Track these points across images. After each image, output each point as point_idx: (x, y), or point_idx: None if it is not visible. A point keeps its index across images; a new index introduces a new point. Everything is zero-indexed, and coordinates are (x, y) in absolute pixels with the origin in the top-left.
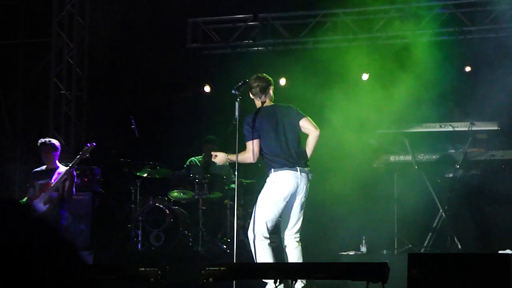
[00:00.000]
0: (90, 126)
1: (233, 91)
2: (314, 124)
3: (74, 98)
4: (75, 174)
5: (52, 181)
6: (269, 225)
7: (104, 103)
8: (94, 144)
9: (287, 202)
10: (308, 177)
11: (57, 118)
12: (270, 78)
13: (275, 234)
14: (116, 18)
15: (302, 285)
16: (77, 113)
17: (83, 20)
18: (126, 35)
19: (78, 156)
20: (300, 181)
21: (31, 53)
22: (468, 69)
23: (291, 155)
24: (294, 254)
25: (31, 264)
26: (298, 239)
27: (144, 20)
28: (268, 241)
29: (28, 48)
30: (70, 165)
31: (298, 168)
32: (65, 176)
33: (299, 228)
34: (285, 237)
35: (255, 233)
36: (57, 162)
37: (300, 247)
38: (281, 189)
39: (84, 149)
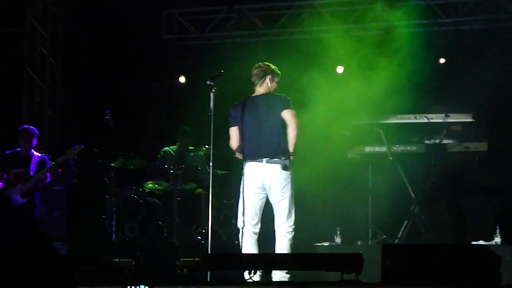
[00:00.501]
0: (64, 116)
1: (208, 82)
2: (293, 117)
3: (48, 89)
4: (58, 172)
5: (31, 172)
6: (245, 217)
7: (78, 93)
8: (83, 146)
9: (263, 193)
10: (279, 167)
11: (30, 108)
12: (270, 68)
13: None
14: (91, 8)
15: (281, 276)
16: (51, 104)
17: (57, 10)
18: (101, 25)
19: (64, 156)
20: (268, 173)
21: (4, 43)
22: (442, 61)
23: (260, 146)
24: (278, 245)
25: (5, 256)
26: (284, 230)
27: (119, 11)
28: (246, 232)
29: (0, 38)
30: (55, 163)
31: (264, 160)
32: (48, 172)
33: (285, 219)
34: (274, 228)
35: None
36: (33, 150)
37: (285, 239)
38: (247, 181)
39: (72, 149)
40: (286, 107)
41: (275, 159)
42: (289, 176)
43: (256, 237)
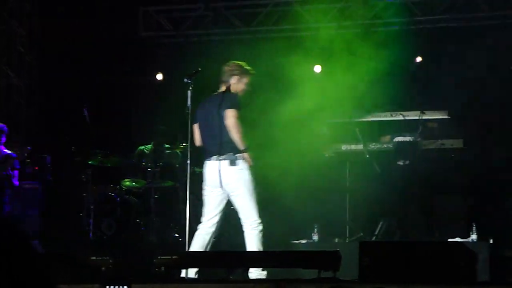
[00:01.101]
0: (41, 114)
1: (185, 80)
2: (230, 118)
3: (25, 86)
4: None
5: None
6: (204, 216)
7: (55, 91)
8: (29, 148)
9: (218, 191)
10: (227, 164)
11: (7, 106)
12: (239, 68)
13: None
14: (68, 5)
15: (258, 274)
16: (28, 102)
17: (33, 7)
18: (77, 23)
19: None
20: (218, 170)
21: None
22: (418, 59)
23: (210, 144)
24: (247, 241)
25: None
26: (248, 227)
27: (96, 8)
28: (198, 230)
29: None
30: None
31: (214, 158)
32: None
33: (245, 217)
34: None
35: None
36: (2, 146)
37: (251, 235)
38: (204, 180)
39: (21, 150)
40: (228, 106)
41: (223, 155)
42: (240, 171)
43: (207, 237)
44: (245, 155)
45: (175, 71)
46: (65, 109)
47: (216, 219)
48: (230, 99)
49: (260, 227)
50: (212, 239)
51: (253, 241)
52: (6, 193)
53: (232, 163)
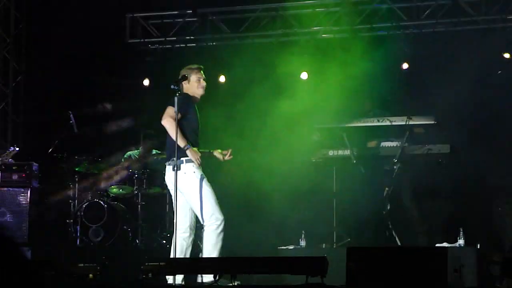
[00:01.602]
0: (27, 121)
1: (172, 86)
2: (164, 115)
3: (11, 93)
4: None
5: None
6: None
7: (42, 98)
8: (18, 149)
9: (180, 197)
10: (171, 169)
11: None
12: (181, 72)
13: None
14: (54, 12)
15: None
16: (14, 108)
17: (19, 13)
18: (64, 29)
19: None
20: (168, 177)
21: None
22: (405, 66)
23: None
24: (203, 239)
25: None
26: (205, 225)
27: (82, 15)
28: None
29: None
30: None
31: (166, 164)
32: None
33: (202, 218)
34: None
35: None
36: None
37: (206, 231)
38: None
39: (7, 151)
40: (167, 104)
41: (168, 161)
42: (184, 175)
43: (184, 242)
44: (189, 153)
45: (162, 77)
46: (51, 116)
47: (187, 223)
48: (168, 101)
49: (216, 224)
50: (190, 244)
51: (206, 238)
52: None
53: (175, 168)
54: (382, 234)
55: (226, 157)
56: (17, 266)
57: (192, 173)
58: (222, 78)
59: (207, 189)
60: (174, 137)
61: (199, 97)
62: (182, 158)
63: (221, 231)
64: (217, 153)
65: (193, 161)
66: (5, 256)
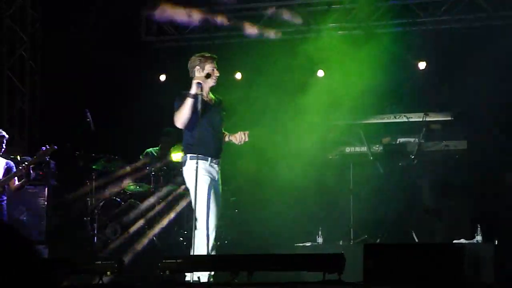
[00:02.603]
0: (44, 119)
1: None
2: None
3: (28, 92)
4: (31, 173)
5: (0, 176)
6: None
7: (58, 96)
8: (55, 146)
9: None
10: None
11: (10, 111)
12: (192, 60)
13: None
14: (70, 10)
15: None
16: (31, 107)
17: (35, 12)
18: (80, 28)
19: (34, 158)
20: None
21: None
22: (422, 65)
23: None
24: None
25: None
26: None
27: (98, 13)
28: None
29: None
30: (27, 163)
31: None
32: (19, 174)
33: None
34: None
35: None
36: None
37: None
38: None
39: (42, 150)
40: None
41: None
42: (185, 172)
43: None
44: (194, 83)
45: (178, 74)
46: (68, 114)
47: (210, 221)
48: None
49: (200, 223)
50: (212, 242)
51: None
52: (4, 200)
53: (183, 163)
54: (399, 230)
55: (243, 140)
56: (29, 265)
57: (192, 171)
58: (238, 75)
59: (203, 191)
60: (182, 124)
61: (208, 88)
62: (187, 155)
63: (203, 237)
64: (233, 137)
65: (194, 159)
66: (18, 254)
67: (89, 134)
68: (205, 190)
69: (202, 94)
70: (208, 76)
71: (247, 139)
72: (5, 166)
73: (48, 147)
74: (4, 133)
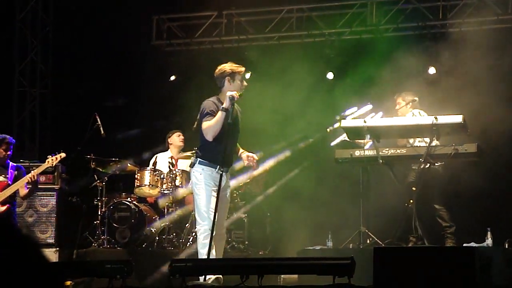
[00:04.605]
0: (55, 123)
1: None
2: (203, 124)
3: (39, 95)
4: (38, 180)
5: (10, 181)
6: None
7: (69, 99)
8: (64, 154)
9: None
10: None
11: (21, 115)
12: (222, 70)
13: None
14: (81, 14)
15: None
16: (42, 110)
17: (46, 16)
18: (91, 31)
19: (43, 164)
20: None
21: None
22: (432, 70)
23: None
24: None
25: None
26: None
27: (108, 17)
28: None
29: None
30: (36, 171)
31: None
32: (28, 181)
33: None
34: None
35: None
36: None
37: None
38: None
39: (52, 157)
40: (202, 116)
41: None
42: (193, 174)
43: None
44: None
45: (188, 78)
46: (78, 118)
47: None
48: (203, 107)
49: (201, 230)
50: (218, 244)
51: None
52: (15, 205)
53: (191, 164)
54: (408, 234)
55: (253, 166)
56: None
57: (198, 174)
58: (247, 75)
59: (204, 196)
60: (213, 137)
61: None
62: (197, 158)
63: (201, 234)
64: (244, 158)
65: (203, 164)
66: (27, 258)
67: (99, 137)
68: (206, 195)
69: (233, 108)
70: (240, 95)
71: (256, 168)
72: (15, 172)
73: (57, 154)
74: (11, 138)
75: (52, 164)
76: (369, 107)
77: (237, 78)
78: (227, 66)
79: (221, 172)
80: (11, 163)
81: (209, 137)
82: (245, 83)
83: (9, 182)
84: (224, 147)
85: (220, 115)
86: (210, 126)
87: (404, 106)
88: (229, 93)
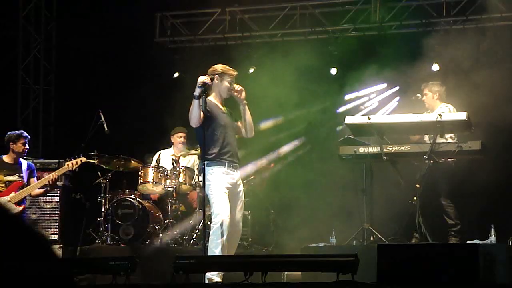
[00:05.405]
0: (58, 120)
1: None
2: None
3: (42, 92)
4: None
5: (25, 180)
6: None
7: (72, 96)
8: (85, 158)
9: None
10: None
11: (25, 112)
12: (212, 70)
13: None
14: (84, 11)
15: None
16: (45, 107)
17: (50, 13)
18: (94, 28)
19: (65, 168)
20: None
21: None
22: (435, 67)
23: None
24: None
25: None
26: None
27: (112, 13)
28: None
29: None
30: (55, 173)
31: None
32: (45, 183)
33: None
34: None
35: None
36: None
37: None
38: None
39: (72, 161)
40: None
41: None
42: (206, 177)
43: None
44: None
45: (191, 75)
46: (82, 115)
47: (233, 219)
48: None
49: (214, 223)
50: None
51: (210, 238)
52: (25, 202)
53: (199, 168)
54: (412, 230)
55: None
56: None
57: (209, 175)
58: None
59: (218, 193)
60: (193, 122)
61: (222, 99)
62: (204, 162)
63: (217, 226)
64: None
65: (212, 165)
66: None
67: (103, 134)
68: (221, 191)
69: (205, 96)
70: (212, 79)
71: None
72: (28, 169)
73: (76, 158)
74: (26, 133)
75: (72, 168)
76: (383, 85)
77: (225, 80)
78: (220, 66)
79: (231, 169)
80: (23, 161)
81: (190, 123)
82: (235, 88)
83: (25, 182)
84: (222, 142)
85: (193, 102)
86: (189, 113)
87: (431, 97)
88: (199, 79)
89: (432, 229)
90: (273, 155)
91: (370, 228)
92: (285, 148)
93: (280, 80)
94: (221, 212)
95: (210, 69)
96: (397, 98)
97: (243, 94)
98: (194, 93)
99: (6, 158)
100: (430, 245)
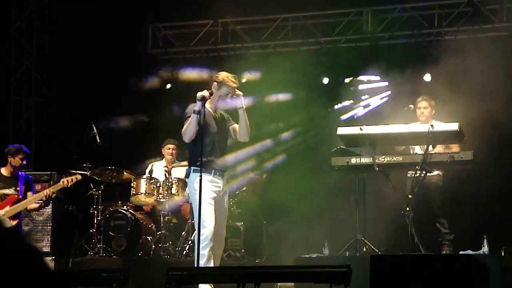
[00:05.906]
0: (50, 131)
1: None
2: None
3: (34, 104)
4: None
5: (21, 194)
6: None
7: (64, 108)
8: (79, 177)
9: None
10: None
11: (17, 124)
12: (217, 75)
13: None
14: (76, 23)
15: None
16: (37, 119)
17: (42, 25)
18: (86, 40)
19: (61, 185)
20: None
21: None
22: (427, 77)
23: None
24: None
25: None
26: None
27: (104, 25)
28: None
29: None
30: (51, 189)
31: None
32: (41, 198)
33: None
34: None
35: None
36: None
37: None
38: None
39: (67, 179)
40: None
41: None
42: (190, 183)
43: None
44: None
45: (185, 85)
46: (74, 127)
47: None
48: (186, 110)
49: (201, 234)
50: (216, 252)
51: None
52: (21, 215)
53: (186, 176)
54: (405, 242)
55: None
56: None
57: (195, 183)
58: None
59: (205, 203)
60: (189, 137)
61: (215, 108)
62: (191, 167)
63: (202, 236)
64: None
65: (198, 172)
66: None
67: (95, 146)
68: (207, 202)
69: (204, 109)
70: (211, 94)
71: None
72: (25, 183)
73: (73, 174)
74: (26, 148)
75: (67, 186)
76: (384, 83)
77: (223, 90)
78: (223, 74)
79: (217, 177)
80: (20, 173)
81: (184, 138)
82: (229, 100)
83: (20, 196)
84: (210, 149)
85: (192, 118)
86: (184, 128)
87: (430, 111)
88: (198, 94)
89: (425, 240)
90: (267, 165)
91: (363, 238)
92: (278, 157)
93: (273, 90)
94: (207, 225)
95: (215, 75)
96: (389, 92)
97: (243, 99)
98: (195, 108)
99: (4, 171)
100: (423, 256)
